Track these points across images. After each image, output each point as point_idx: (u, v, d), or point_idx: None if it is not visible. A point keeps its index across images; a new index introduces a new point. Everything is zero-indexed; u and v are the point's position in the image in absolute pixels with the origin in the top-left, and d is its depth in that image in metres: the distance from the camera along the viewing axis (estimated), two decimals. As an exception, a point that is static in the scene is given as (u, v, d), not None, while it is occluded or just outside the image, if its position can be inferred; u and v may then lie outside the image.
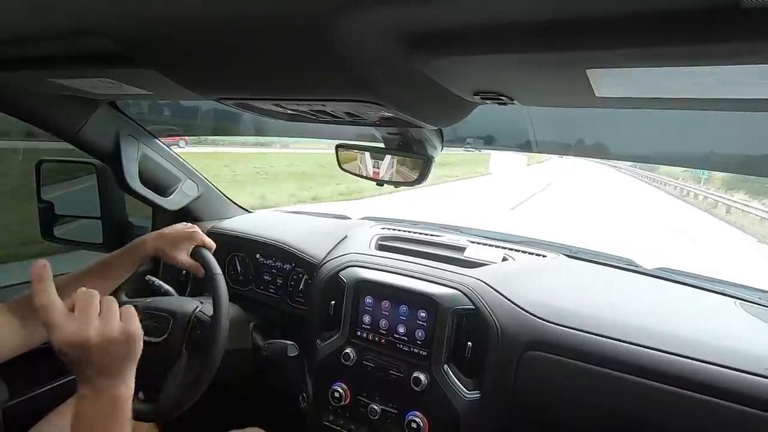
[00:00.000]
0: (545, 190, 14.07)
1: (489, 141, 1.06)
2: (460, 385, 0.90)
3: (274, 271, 1.24)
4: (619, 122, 0.89)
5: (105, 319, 0.57)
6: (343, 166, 0.93)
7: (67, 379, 1.15)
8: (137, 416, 0.86)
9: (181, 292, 1.21)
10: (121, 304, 0.93)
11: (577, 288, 0.99)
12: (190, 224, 0.96)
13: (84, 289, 0.58)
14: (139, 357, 0.60)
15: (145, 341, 0.88)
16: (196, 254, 0.93)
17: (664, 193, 16.23)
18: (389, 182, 0.87)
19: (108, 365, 0.55)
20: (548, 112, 0.93)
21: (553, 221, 7.97)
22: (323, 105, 0.62)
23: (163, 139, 1.24)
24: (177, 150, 1.27)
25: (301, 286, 1.20)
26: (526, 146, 1.04)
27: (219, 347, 0.85)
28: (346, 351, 1.00)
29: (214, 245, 0.97)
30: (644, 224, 8.96)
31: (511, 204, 10.29)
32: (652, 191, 17.23)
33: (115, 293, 0.96)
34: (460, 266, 1.01)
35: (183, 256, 0.92)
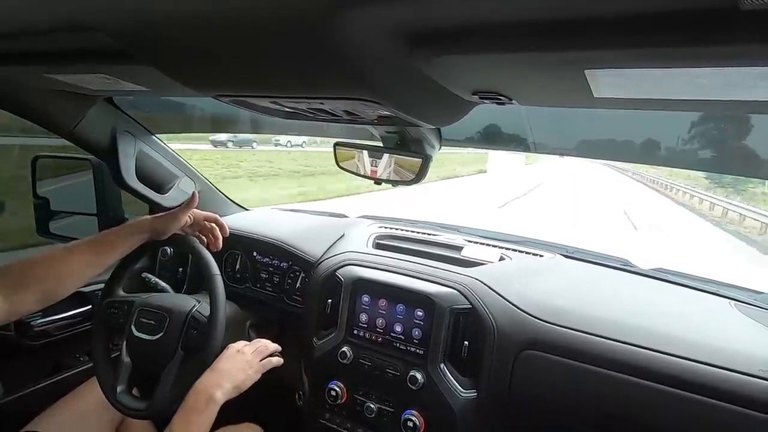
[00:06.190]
0: (535, 189, 14.20)
1: (488, 140, 1.06)
2: (456, 384, 0.90)
3: (270, 269, 1.23)
4: (617, 122, 0.89)
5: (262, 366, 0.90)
6: (341, 164, 0.92)
7: (62, 376, 1.15)
8: (131, 413, 0.87)
9: (178, 290, 1.20)
10: (118, 300, 0.95)
11: (574, 288, 0.99)
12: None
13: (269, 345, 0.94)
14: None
15: (140, 338, 0.89)
16: (195, 252, 0.93)
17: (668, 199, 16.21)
18: (387, 181, 0.87)
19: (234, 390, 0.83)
20: (547, 112, 0.93)
21: (540, 218, 8.22)
22: (321, 103, 0.62)
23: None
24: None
25: (298, 285, 1.19)
26: (523, 146, 1.04)
27: (215, 350, 0.85)
28: (343, 349, 1.00)
29: (216, 216, 0.99)
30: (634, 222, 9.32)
31: (500, 202, 10.49)
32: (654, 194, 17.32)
33: (112, 290, 0.97)
34: (458, 265, 1.01)
35: (179, 227, 0.93)
